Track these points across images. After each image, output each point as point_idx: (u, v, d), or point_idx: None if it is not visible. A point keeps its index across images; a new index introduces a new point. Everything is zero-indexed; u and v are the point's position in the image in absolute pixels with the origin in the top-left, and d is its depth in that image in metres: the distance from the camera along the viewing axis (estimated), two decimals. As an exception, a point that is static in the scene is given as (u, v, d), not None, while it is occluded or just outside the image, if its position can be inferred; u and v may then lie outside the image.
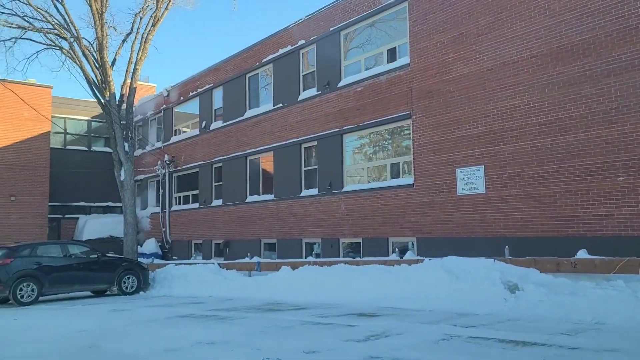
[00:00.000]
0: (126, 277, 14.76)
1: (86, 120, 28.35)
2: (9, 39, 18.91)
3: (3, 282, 12.82)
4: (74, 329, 8.69)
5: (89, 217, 26.76)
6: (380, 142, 15.40)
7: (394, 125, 14.69)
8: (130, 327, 8.90)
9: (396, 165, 14.73)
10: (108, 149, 26.54)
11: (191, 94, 23.55)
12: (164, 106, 25.45)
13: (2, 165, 23.94)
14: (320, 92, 16.87)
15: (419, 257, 11.70)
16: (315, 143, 17.09)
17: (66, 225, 26.83)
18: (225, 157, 21.09)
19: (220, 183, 21.45)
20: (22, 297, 12.96)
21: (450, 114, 12.95)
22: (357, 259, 13.42)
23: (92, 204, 27.75)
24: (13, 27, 18.67)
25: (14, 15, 18.53)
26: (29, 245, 14.06)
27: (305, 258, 15.97)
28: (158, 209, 25.20)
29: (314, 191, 16.92)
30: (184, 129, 25.03)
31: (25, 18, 18.68)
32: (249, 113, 20.06)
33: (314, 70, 17.36)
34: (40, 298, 13.41)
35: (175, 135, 24.91)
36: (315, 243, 16.91)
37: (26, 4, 18.45)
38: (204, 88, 22.70)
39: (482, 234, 12.11)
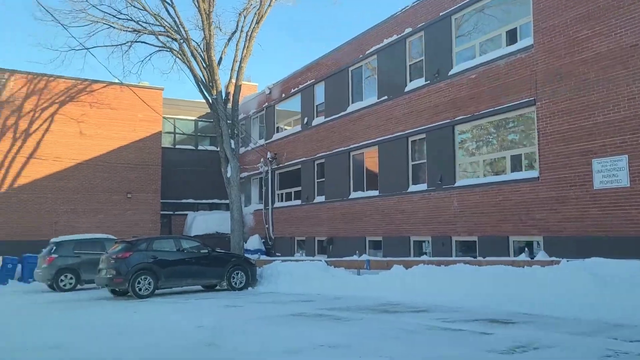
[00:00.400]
0: (235, 273, 14.79)
1: (193, 120, 29.44)
2: (125, 43, 19.94)
3: (123, 275, 13.28)
4: (192, 325, 8.62)
5: (197, 213, 27.75)
6: (498, 132, 14.17)
7: (515, 114, 13.43)
8: (244, 324, 8.67)
9: (517, 157, 13.46)
10: (213, 148, 27.36)
11: (292, 90, 23.53)
12: (266, 104, 25.71)
13: (120, 164, 25.46)
14: (429, 81, 15.94)
15: (554, 258, 10.45)
16: (423, 136, 16.19)
17: (176, 221, 28.01)
18: (327, 153, 20.76)
19: (323, 179, 21.16)
20: (140, 289, 13.34)
21: (584, 98, 11.52)
22: (479, 258, 12.37)
23: (199, 201, 28.75)
24: (128, 31, 19.64)
25: (130, 20, 19.48)
26: (145, 240, 14.48)
27: (414, 257, 15.15)
28: (261, 206, 25.52)
29: (422, 186, 16.04)
30: (286, 126, 25.13)
31: (140, 22, 19.58)
32: (351, 107, 19.55)
33: (422, 59, 16.44)
34: (156, 291, 13.77)
35: (277, 132, 25.06)
36: (424, 241, 16.01)
37: (141, 9, 19.32)
38: (305, 84, 22.56)
39: (626, 233, 10.61)
